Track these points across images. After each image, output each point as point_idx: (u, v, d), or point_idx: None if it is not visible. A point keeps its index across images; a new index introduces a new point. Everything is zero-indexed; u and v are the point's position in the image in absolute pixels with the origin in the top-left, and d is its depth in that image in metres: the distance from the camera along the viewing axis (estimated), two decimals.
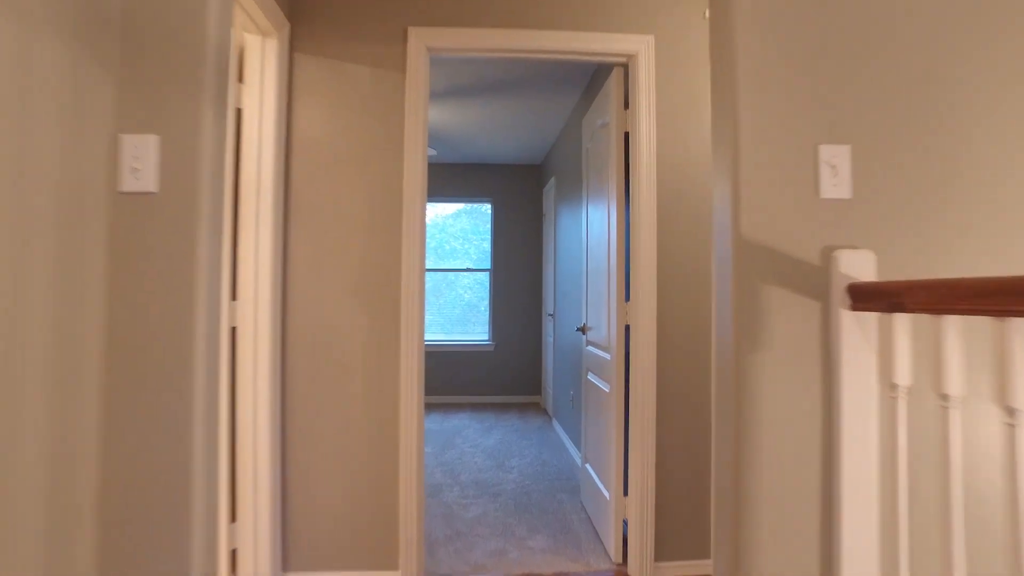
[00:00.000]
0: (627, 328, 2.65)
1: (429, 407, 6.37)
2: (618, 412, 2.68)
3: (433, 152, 4.55)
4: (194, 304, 1.28)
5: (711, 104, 1.49)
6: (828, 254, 1.34)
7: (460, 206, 6.89)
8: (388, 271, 2.43)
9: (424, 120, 2.49)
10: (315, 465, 2.39)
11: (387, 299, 2.42)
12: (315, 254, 2.41)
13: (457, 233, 6.86)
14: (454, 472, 4.06)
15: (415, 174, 2.44)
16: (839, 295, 1.31)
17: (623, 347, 2.68)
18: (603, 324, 2.95)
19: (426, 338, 6.74)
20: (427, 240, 6.81)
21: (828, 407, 1.33)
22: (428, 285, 6.79)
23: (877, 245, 1.35)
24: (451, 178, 6.75)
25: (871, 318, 1.30)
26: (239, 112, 2.30)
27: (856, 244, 1.35)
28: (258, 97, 2.32)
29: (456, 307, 6.82)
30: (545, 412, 6.14)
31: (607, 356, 2.87)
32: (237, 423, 2.26)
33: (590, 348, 3.25)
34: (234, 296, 2.28)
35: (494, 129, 5.27)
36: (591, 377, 3.21)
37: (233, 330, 2.26)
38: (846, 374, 1.30)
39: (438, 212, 6.85)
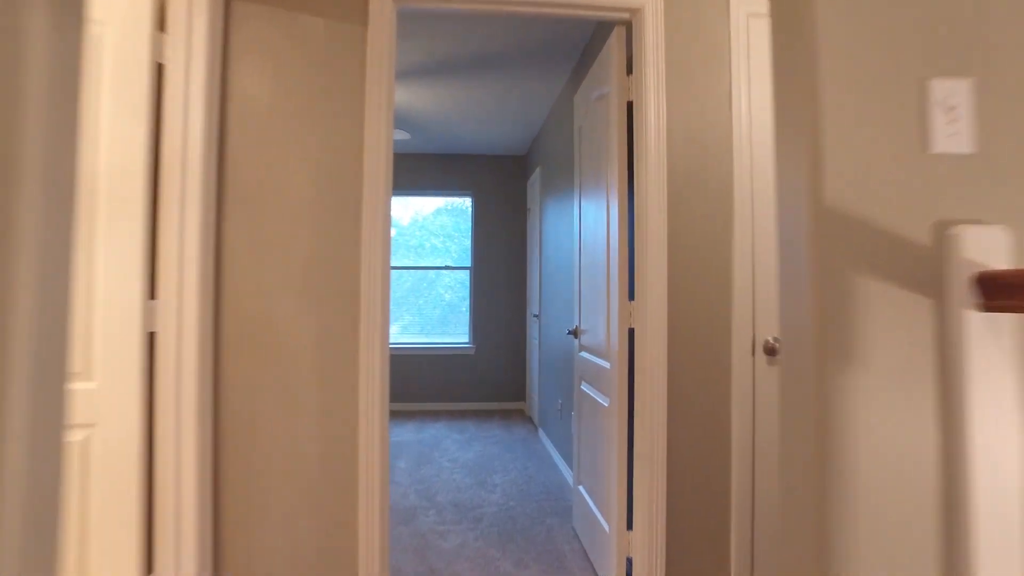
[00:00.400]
0: (631, 332, 2.25)
1: (405, 416, 5.94)
2: (620, 431, 2.28)
3: (406, 135, 4.13)
4: None
5: (771, 30, 1.10)
6: (942, 231, 0.95)
7: (441, 204, 6.46)
8: (345, 265, 2.01)
9: (389, 84, 2.08)
10: (256, 498, 1.96)
11: (344, 298, 2.00)
12: (256, 244, 1.98)
13: (437, 230, 6.44)
14: (430, 492, 3.64)
15: (378, 150, 2.03)
16: (959, 289, 0.92)
17: (626, 354, 2.28)
18: (600, 327, 2.55)
19: (403, 341, 6.31)
20: (406, 239, 6.37)
21: (949, 446, 0.94)
22: (406, 285, 6.36)
23: (1013, 218, 0.97)
24: (429, 170, 6.32)
25: (1008, 322, 0.92)
26: (160, 68, 1.87)
27: (982, 218, 0.97)
28: (184, 51, 1.88)
29: (437, 308, 6.40)
30: (530, 420, 5.74)
31: (605, 364, 2.47)
32: (155, 453, 1.83)
33: (584, 354, 2.85)
34: (153, 294, 1.84)
35: (474, 114, 4.86)
36: (586, 388, 2.81)
37: (151, 336, 1.83)
38: (975, 400, 0.91)
39: (418, 209, 6.41)
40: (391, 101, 2.08)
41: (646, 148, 2.15)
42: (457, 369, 6.28)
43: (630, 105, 2.33)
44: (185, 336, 1.85)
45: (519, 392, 6.32)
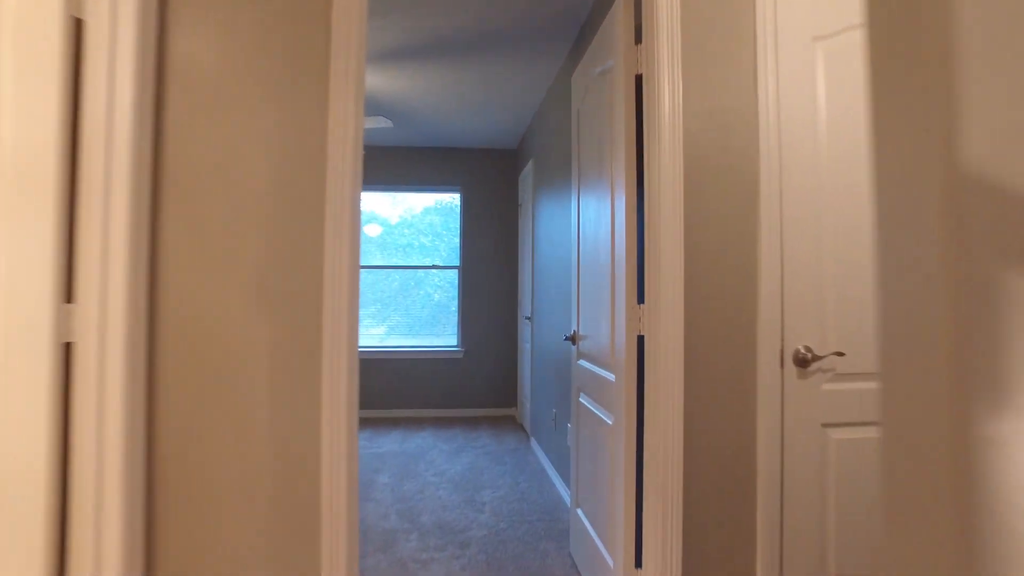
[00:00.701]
0: (640, 339, 1.96)
1: (389, 424, 5.62)
2: (627, 454, 1.99)
3: (388, 123, 3.83)
4: None
5: None
6: None
7: (431, 203, 6.13)
8: (306, 265, 1.70)
9: (359, 54, 1.77)
10: (197, 534, 1.64)
11: (305, 304, 1.69)
12: (200, 240, 1.67)
13: (426, 229, 6.12)
14: (413, 512, 3.33)
15: (345, 133, 1.71)
16: None
17: (634, 364, 1.99)
18: (603, 333, 2.25)
19: (389, 344, 5.99)
20: (395, 238, 6.05)
21: None
22: (394, 285, 6.04)
23: None
24: (416, 164, 6.01)
25: None
26: (79, 24, 1.55)
27: None
28: (109, 2, 1.57)
29: (426, 308, 6.08)
30: (521, 428, 5.43)
31: (608, 376, 2.17)
32: (71, 485, 1.51)
33: (584, 363, 2.55)
34: (69, 297, 1.52)
35: (462, 102, 4.55)
36: (585, 401, 2.51)
37: (68, 347, 1.51)
38: None
39: (408, 207, 6.09)
40: (360, 74, 1.77)
41: (659, 129, 1.86)
42: (445, 374, 5.97)
43: (639, 80, 2.03)
44: (109, 347, 1.53)
45: (510, 398, 6.02)
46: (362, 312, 6.00)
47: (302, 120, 1.71)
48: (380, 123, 3.83)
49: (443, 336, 6.08)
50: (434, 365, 5.97)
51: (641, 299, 1.95)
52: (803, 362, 1.85)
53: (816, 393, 1.88)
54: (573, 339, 2.70)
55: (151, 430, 1.64)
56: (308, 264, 1.70)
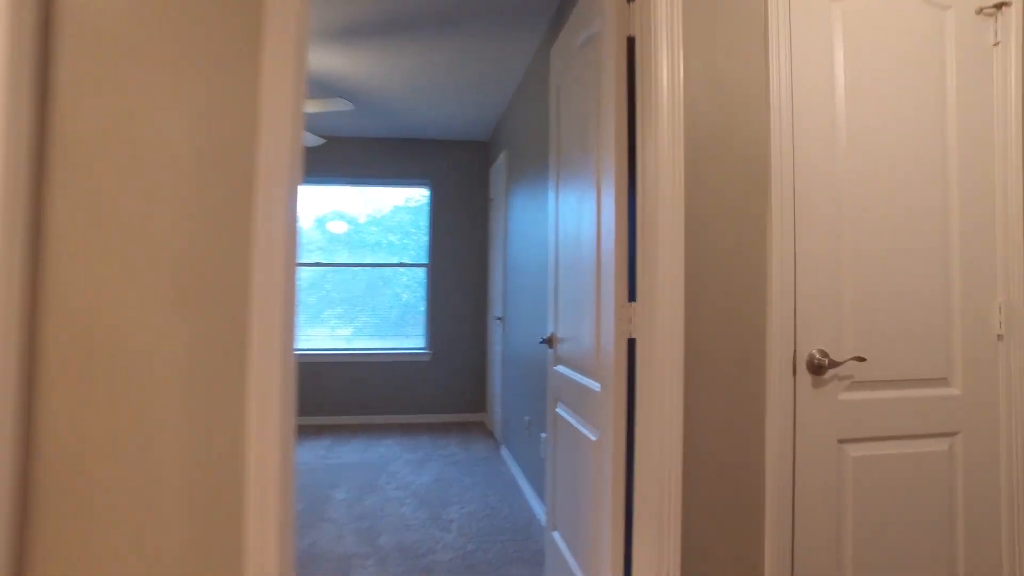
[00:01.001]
0: (631, 343, 1.70)
1: (351, 432, 5.28)
2: (614, 476, 1.72)
3: (348, 105, 3.52)
4: None
5: None
6: None
7: (400, 201, 5.80)
8: (233, 257, 1.39)
9: (302, 4, 1.47)
10: (76, 550, 1.32)
11: (230, 299, 1.38)
12: (97, 224, 1.35)
13: (395, 227, 5.79)
14: (372, 532, 3.02)
15: (281, 95, 1.41)
16: None
17: (624, 372, 1.72)
18: (585, 335, 1.99)
19: (353, 347, 5.65)
20: (363, 236, 5.71)
21: None
22: (362, 283, 5.69)
23: None
24: (381, 157, 5.69)
25: None
26: None
27: None
28: None
29: (394, 309, 5.76)
30: (491, 435, 5.15)
31: (592, 385, 1.91)
32: None
33: (562, 369, 2.28)
34: None
35: (431, 88, 4.25)
36: (564, 412, 2.24)
37: None
38: None
39: (378, 206, 5.75)
40: (302, 37, 1.47)
41: (655, 100, 1.59)
42: (411, 377, 5.66)
43: (631, 44, 1.77)
44: None
45: (479, 403, 5.73)
46: (328, 313, 5.66)
47: (234, 90, 1.40)
48: (339, 105, 3.51)
49: (411, 338, 5.77)
50: (400, 368, 5.65)
51: (633, 297, 1.70)
52: (818, 369, 1.60)
53: (832, 404, 1.64)
54: (550, 342, 2.43)
55: (30, 434, 1.32)
56: (234, 256, 1.39)
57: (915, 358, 1.71)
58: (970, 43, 1.78)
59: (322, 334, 5.64)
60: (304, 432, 5.17)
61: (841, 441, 1.65)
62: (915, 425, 1.71)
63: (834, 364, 1.59)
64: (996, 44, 1.79)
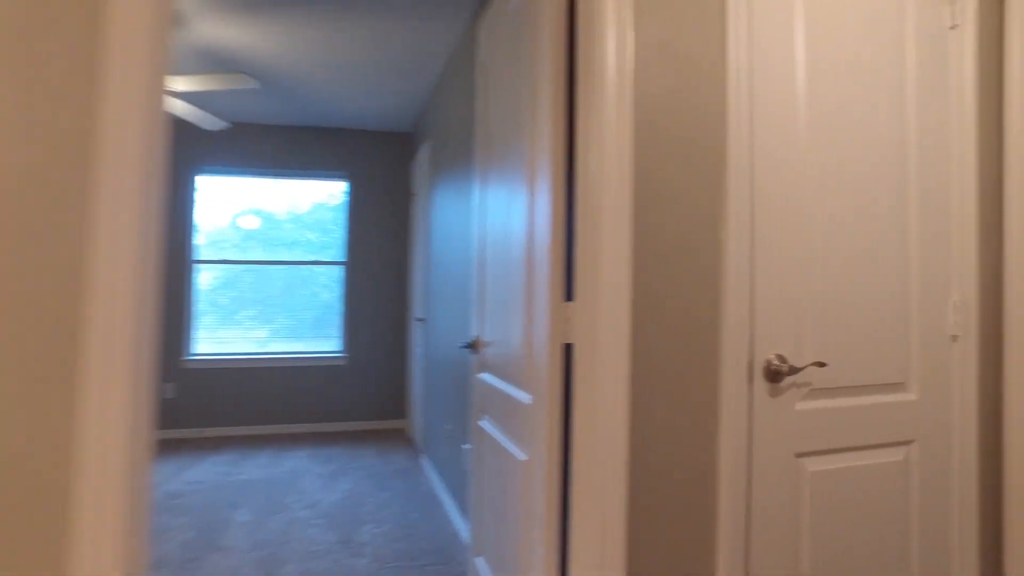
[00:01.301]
0: (567, 348, 1.47)
1: (260, 444, 4.84)
2: (548, 503, 1.49)
3: (253, 83, 3.15)
4: None
5: None
6: None
7: (321, 198, 5.38)
8: (60, 246, 1.06)
9: None
10: None
11: (56, 303, 1.06)
12: None
13: (314, 224, 5.38)
14: (274, 562, 2.67)
15: (132, 55, 1.10)
16: None
17: (559, 381, 1.49)
18: (514, 339, 1.75)
19: (267, 351, 5.19)
20: (281, 233, 5.26)
21: None
22: (278, 283, 5.24)
23: None
24: (295, 146, 5.26)
25: None
26: None
27: None
28: None
29: (312, 310, 5.34)
30: (412, 443, 4.84)
31: (522, 397, 1.67)
32: None
33: (488, 378, 2.04)
34: None
35: (350, 70, 3.91)
36: (489, 427, 2.00)
37: None
38: None
39: (296, 203, 5.30)
40: None
41: (600, 71, 1.37)
42: (327, 383, 5.26)
43: (572, 8, 1.54)
44: None
45: (399, 409, 5.40)
46: (242, 314, 5.19)
47: (58, 52, 1.07)
48: (241, 83, 3.13)
49: (327, 341, 5.37)
50: (315, 373, 5.24)
51: (570, 296, 1.48)
52: (776, 375, 1.43)
53: (789, 415, 1.47)
54: (474, 347, 2.17)
55: None
56: (63, 245, 1.06)
57: (874, 362, 1.57)
58: (929, 26, 1.66)
59: (236, 337, 5.17)
60: (207, 446, 4.70)
61: (799, 455, 1.48)
62: (872, 435, 1.57)
63: (794, 370, 1.42)
64: (953, 27, 1.68)
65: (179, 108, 3.43)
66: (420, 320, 4.62)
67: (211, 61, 3.73)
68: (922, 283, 1.63)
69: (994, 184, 1.71)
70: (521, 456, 1.67)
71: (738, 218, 1.42)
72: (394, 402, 5.39)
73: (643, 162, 1.39)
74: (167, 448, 4.60)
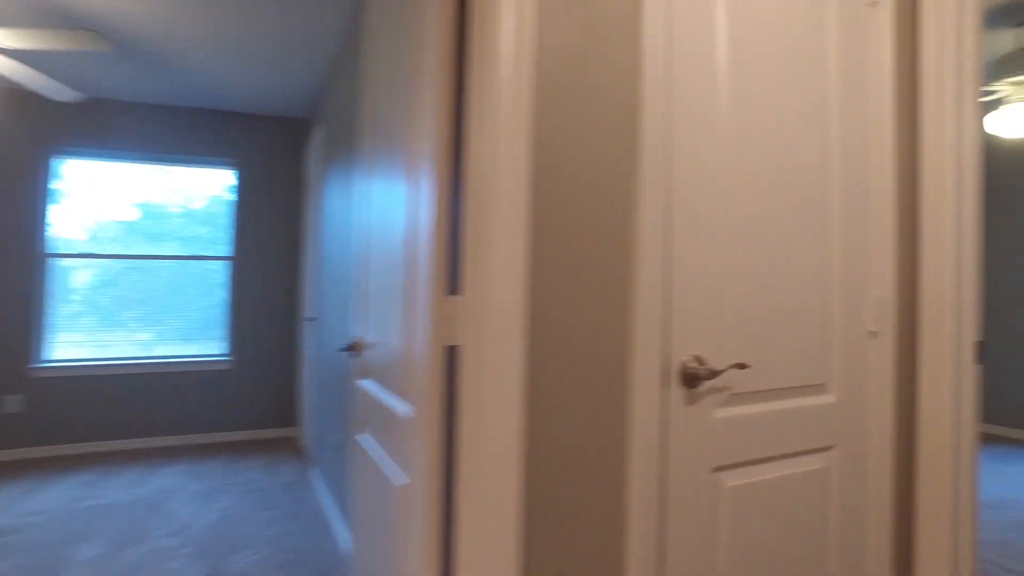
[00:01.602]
0: (450, 352, 1.22)
1: (124, 460, 4.29)
2: (427, 535, 1.23)
3: (103, 46, 2.70)
4: None
5: None
6: None
7: (214, 190, 4.85)
8: None
9: None
10: None
11: None
12: None
13: (204, 218, 4.85)
14: None
15: None
16: None
17: (440, 391, 1.24)
18: (395, 341, 1.49)
19: (149, 356, 4.62)
20: (172, 227, 4.67)
21: None
22: (163, 280, 4.66)
23: None
24: (176, 129, 4.72)
25: None
26: None
27: None
28: None
29: (201, 310, 4.81)
30: (302, 454, 4.45)
31: (404, 410, 1.41)
32: None
33: (368, 385, 1.75)
34: None
35: (232, 42, 3.48)
36: (368, 443, 1.71)
37: None
38: None
39: (190, 196, 4.73)
40: None
41: (493, 16, 1.13)
42: (210, 389, 4.76)
43: None
44: None
45: (289, 416, 4.98)
46: (124, 315, 4.59)
47: None
48: (88, 43, 2.67)
49: (214, 343, 4.86)
50: (197, 379, 4.73)
51: (455, 290, 1.23)
52: (693, 380, 1.24)
53: (707, 424, 1.28)
54: (355, 349, 1.89)
55: None
56: None
57: (797, 362, 1.41)
58: (850, 3, 1.53)
59: (120, 340, 4.58)
60: (59, 467, 4.10)
61: (716, 469, 1.30)
62: (794, 442, 1.42)
63: (713, 374, 1.23)
64: (873, 4, 1.56)
65: (7, 68, 2.91)
66: (311, 319, 4.24)
67: (57, 17, 3.20)
68: (844, 273, 1.49)
69: (911, 174, 1.61)
70: (400, 479, 1.40)
71: (652, 199, 1.21)
72: (284, 409, 4.95)
73: (546, 132, 1.16)
74: (5, 472, 3.97)
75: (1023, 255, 4.91)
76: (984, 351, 5.16)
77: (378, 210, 1.73)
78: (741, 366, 1.25)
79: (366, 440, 1.75)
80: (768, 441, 1.37)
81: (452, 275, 1.25)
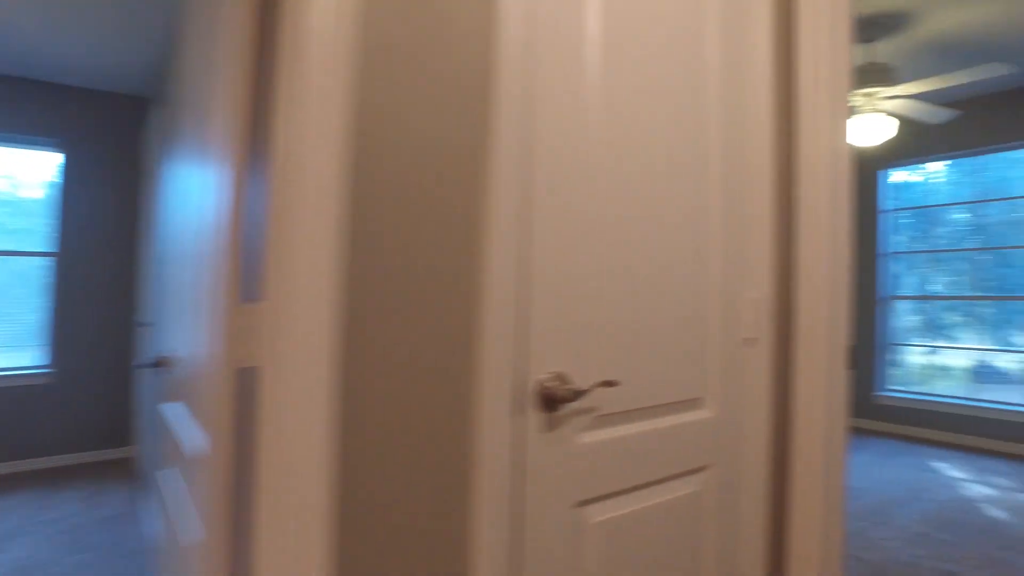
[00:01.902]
0: (244, 374, 0.94)
1: None
2: None
3: None
4: None
5: None
6: None
7: (29, 172, 4.12)
8: None
9: None
10: None
11: None
12: None
13: (24, 207, 4.12)
14: None
15: None
16: None
17: (230, 423, 0.97)
18: (197, 358, 1.18)
19: None
20: None
21: None
22: None
23: None
24: None
25: None
26: None
27: None
28: None
29: (18, 314, 4.09)
30: (137, 477, 3.89)
31: (202, 444, 1.11)
32: None
33: (174, 410, 1.43)
34: None
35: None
36: (170, 483, 1.39)
37: None
38: None
39: (13, 181, 3.97)
40: None
41: None
42: (23, 407, 4.06)
43: None
44: None
45: (123, 434, 4.37)
46: None
47: None
48: None
49: (28, 353, 4.15)
50: (7, 396, 4.02)
51: (252, 296, 0.96)
52: (553, 402, 1.04)
53: (571, 452, 1.09)
54: (162, 365, 1.54)
55: None
56: None
57: (671, 376, 1.26)
58: None
59: None
60: None
61: (581, 504, 1.12)
62: (667, 465, 1.26)
63: (577, 394, 1.04)
64: None
65: None
66: (145, 325, 3.71)
67: None
68: (723, 282, 1.37)
69: (788, 174, 1.52)
70: (195, 534, 1.10)
71: (507, 195, 1.00)
72: (116, 426, 4.34)
73: (371, 104, 0.91)
74: None
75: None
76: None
77: (184, 200, 1.42)
78: (610, 384, 1.07)
79: (170, 479, 1.42)
80: (639, 467, 1.21)
81: (252, 277, 0.98)
